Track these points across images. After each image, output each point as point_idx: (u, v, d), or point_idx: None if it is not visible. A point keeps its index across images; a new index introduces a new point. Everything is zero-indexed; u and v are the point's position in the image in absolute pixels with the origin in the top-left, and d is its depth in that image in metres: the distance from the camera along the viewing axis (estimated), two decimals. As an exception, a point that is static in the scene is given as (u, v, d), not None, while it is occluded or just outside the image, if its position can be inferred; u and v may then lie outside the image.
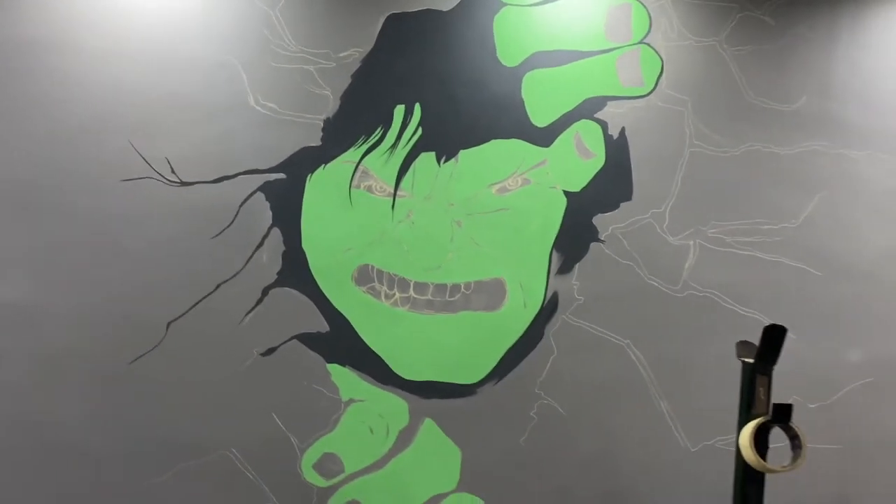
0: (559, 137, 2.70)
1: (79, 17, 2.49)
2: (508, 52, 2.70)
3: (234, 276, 2.55)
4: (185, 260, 2.52)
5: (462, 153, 2.67)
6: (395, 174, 2.64)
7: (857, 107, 2.85)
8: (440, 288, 2.65)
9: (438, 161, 2.65)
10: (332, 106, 2.61)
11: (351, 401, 2.61)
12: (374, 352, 2.63)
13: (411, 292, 2.64)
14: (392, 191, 2.64)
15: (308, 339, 2.59)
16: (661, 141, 2.75)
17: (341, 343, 2.60)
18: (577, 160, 2.71)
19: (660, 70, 2.76)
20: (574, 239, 2.71)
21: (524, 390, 2.68)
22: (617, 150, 2.73)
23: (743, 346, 1.72)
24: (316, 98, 2.60)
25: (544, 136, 2.69)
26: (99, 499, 2.49)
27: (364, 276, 2.62)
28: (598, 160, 2.73)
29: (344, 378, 2.61)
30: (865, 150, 2.85)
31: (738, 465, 1.67)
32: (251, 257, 2.56)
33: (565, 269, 2.71)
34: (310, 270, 2.59)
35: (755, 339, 1.78)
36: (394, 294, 2.64)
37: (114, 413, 2.49)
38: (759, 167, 2.79)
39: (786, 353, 2.69)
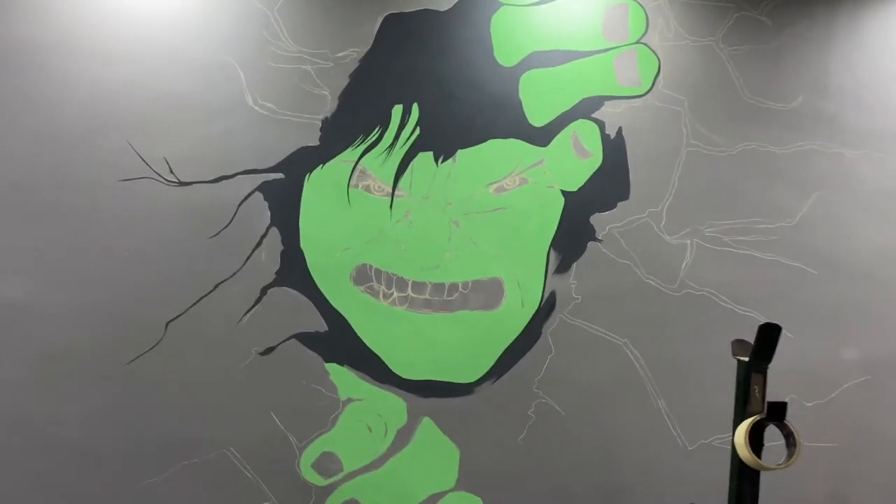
0: (556, 137, 2.71)
1: (77, 18, 2.50)
2: (506, 52, 2.70)
3: (233, 275, 2.56)
4: (184, 260, 2.53)
5: (460, 153, 2.67)
6: (393, 174, 2.64)
7: (854, 106, 2.86)
8: (438, 287, 2.65)
9: (436, 161, 2.66)
10: (330, 106, 2.62)
11: (349, 400, 2.62)
12: (372, 351, 2.64)
13: (409, 292, 2.65)
14: (390, 190, 2.64)
15: (306, 339, 2.60)
16: (659, 140, 2.76)
17: (340, 342, 2.61)
18: (574, 160, 2.72)
19: (657, 70, 2.77)
20: (572, 238, 2.71)
21: (522, 389, 2.69)
22: (614, 149, 2.74)
23: (738, 345, 1.73)
24: (314, 98, 2.61)
25: (542, 136, 2.70)
26: (98, 498, 2.49)
27: (362, 276, 2.63)
28: (595, 160, 2.73)
29: (342, 377, 2.62)
30: (862, 150, 2.86)
31: (734, 463, 1.68)
32: (250, 257, 2.57)
33: (563, 268, 2.71)
34: (308, 270, 2.60)
35: (752, 337, 1.78)
36: (392, 293, 2.64)
37: (113, 412, 2.49)
38: (755, 167, 2.80)
39: (782, 351, 2.69)
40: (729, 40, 2.80)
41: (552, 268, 2.71)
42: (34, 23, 2.48)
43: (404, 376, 2.65)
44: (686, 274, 2.76)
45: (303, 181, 2.60)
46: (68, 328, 2.47)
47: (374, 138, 2.64)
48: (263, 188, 2.58)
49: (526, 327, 2.70)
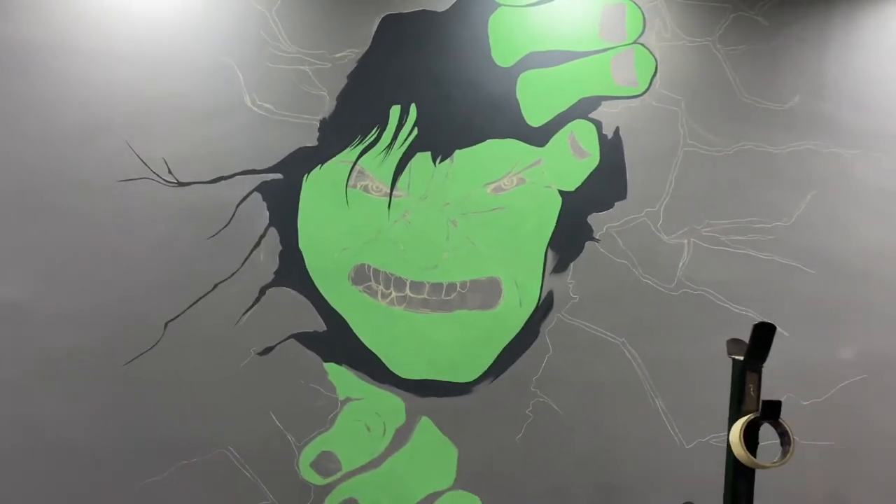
0: (554, 137, 2.71)
1: (76, 19, 2.50)
2: (503, 52, 2.71)
3: (232, 275, 2.56)
4: (183, 260, 2.53)
5: (457, 153, 2.68)
6: (391, 174, 2.65)
7: (850, 106, 2.86)
8: (436, 287, 2.66)
9: (434, 161, 2.67)
10: (328, 106, 2.62)
11: (348, 399, 2.62)
12: (370, 350, 2.64)
13: (407, 291, 2.65)
14: (388, 190, 2.65)
15: (305, 339, 2.60)
16: (656, 140, 2.77)
17: (338, 342, 2.62)
18: (571, 160, 2.73)
19: (654, 70, 2.77)
20: (569, 238, 2.72)
21: (520, 388, 2.69)
22: (611, 149, 2.74)
23: (733, 344, 1.74)
24: (312, 98, 2.62)
25: (539, 136, 2.71)
26: (97, 497, 2.50)
27: (360, 276, 2.64)
28: (592, 159, 2.74)
29: (341, 377, 2.62)
30: (858, 149, 2.86)
31: (729, 461, 1.69)
32: (248, 257, 2.57)
33: (560, 267, 2.72)
34: (307, 270, 2.61)
35: (748, 336, 1.79)
36: (390, 293, 2.65)
37: (112, 412, 2.50)
38: (752, 166, 2.80)
39: (779, 350, 2.71)
40: (726, 40, 2.81)
41: (550, 267, 2.71)
42: (33, 23, 2.48)
43: (402, 376, 2.65)
44: (683, 273, 2.77)
45: (301, 181, 2.61)
46: (67, 328, 2.47)
47: (372, 139, 2.65)
48: (262, 188, 2.58)
49: (524, 327, 2.70)
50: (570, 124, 2.73)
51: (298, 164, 2.60)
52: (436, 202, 2.66)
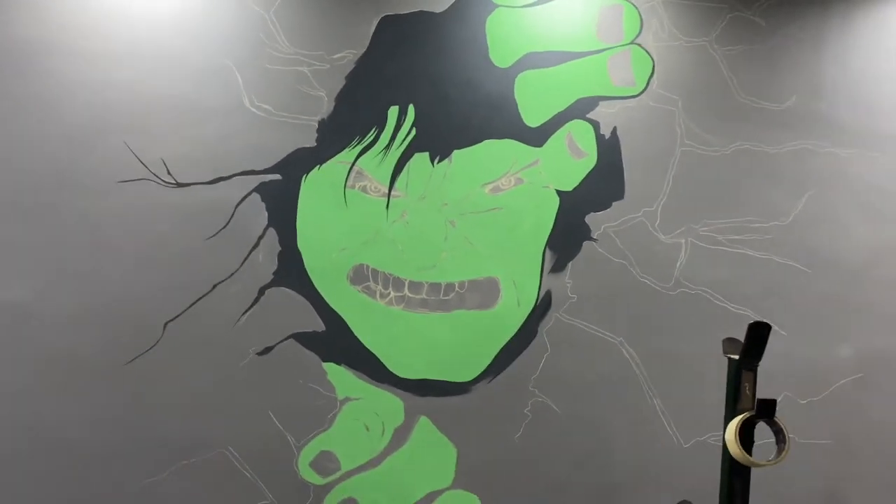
0: (551, 137, 2.72)
1: (75, 20, 2.50)
2: (501, 53, 2.72)
3: (231, 276, 2.56)
4: (182, 260, 2.54)
5: (455, 153, 2.69)
6: (390, 174, 2.65)
7: (847, 106, 2.87)
8: (434, 287, 2.67)
9: (432, 161, 2.67)
10: (326, 107, 2.63)
11: (347, 399, 2.63)
12: (369, 350, 2.65)
13: (406, 291, 2.66)
14: (386, 191, 2.65)
15: (304, 339, 2.61)
16: (653, 140, 2.77)
17: (337, 342, 2.62)
18: (569, 160, 2.73)
19: (651, 70, 2.78)
20: (567, 238, 2.73)
21: (518, 388, 2.70)
22: (609, 149, 2.75)
23: (729, 343, 1.74)
24: (310, 99, 2.62)
25: (537, 136, 2.72)
26: (97, 498, 2.50)
27: (359, 276, 2.64)
28: (590, 160, 2.75)
29: (340, 377, 2.63)
30: (854, 149, 2.87)
31: (725, 460, 1.70)
32: (247, 257, 2.58)
33: (558, 267, 2.73)
34: (305, 270, 2.61)
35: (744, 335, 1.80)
36: (389, 293, 2.65)
37: (111, 413, 2.50)
38: (749, 166, 2.81)
39: (776, 349, 2.73)
40: (722, 41, 2.82)
41: (548, 267, 2.72)
42: (32, 25, 2.48)
43: (401, 375, 2.66)
44: (681, 273, 2.78)
45: (300, 182, 2.61)
46: (67, 329, 2.48)
47: (370, 139, 2.65)
48: (261, 189, 2.59)
49: (522, 326, 2.71)
50: (567, 124, 2.73)
51: (297, 164, 2.61)
52: (434, 202, 2.67)
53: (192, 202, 2.55)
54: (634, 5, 2.78)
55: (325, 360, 2.62)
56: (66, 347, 2.48)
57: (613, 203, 2.75)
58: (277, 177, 2.60)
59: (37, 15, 2.49)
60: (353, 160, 2.64)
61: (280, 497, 2.58)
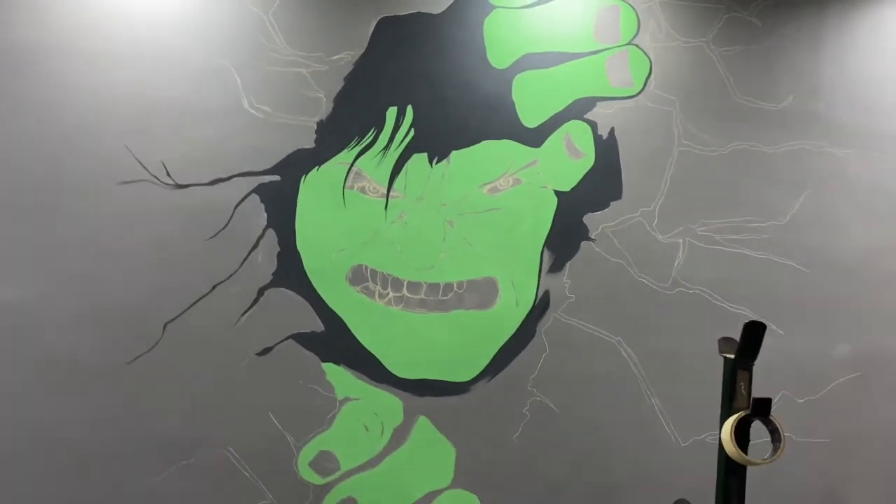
0: (549, 138, 2.73)
1: (74, 21, 2.51)
2: (499, 54, 2.72)
3: (230, 276, 2.57)
4: (182, 261, 2.54)
5: (454, 154, 2.69)
6: (388, 175, 2.66)
7: (844, 106, 2.88)
8: (433, 287, 2.68)
9: (430, 162, 2.68)
10: (325, 108, 2.64)
11: (346, 399, 2.64)
12: (368, 351, 2.65)
13: (405, 292, 2.67)
14: (385, 192, 2.66)
15: (303, 339, 2.61)
16: (650, 140, 2.78)
17: (336, 342, 2.63)
18: (567, 160, 2.74)
19: (648, 71, 2.79)
20: (565, 238, 2.73)
21: (517, 387, 2.71)
22: (606, 149, 2.76)
23: (725, 343, 1.75)
24: (309, 101, 2.63)
25: (535, 137, 2.72)
26: (97, 498, 2.51)
27: (358, 276, 2.65)
28: (587, 160, 2.75)
29: (339, 377, 2.64)
30: (851, 149, 2.88)
31: (721, 458, 1.71)
32: (246, 258, 2.58)
33: (556, 267, 2.73)
34: (304, 271, 2.62)
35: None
36: (387, 293, 2.66)
37: (111, 413, 2.51)
38: (746, 166, 2.82)
39: (774, 348, 2.74)
40: (719, 41, 2.82)
41: (546, 267, 2.73)
42: (31, 26, 2.49)
43: (400, 375, 2.66)
44: (678, 272, 2.78)
45: (298, 183, 2.62)
46: (67, 330, 2.49)
47: (368, 140, 2.66)
48: (260, 190, 2.59)
49: (520, 326, 2.72)
50: (565, 125, 2.74)
51: (296, 165, 2.62)
52: (432, 203, 2.68)
53: (192, 203, 2.55)
54: (631, 6, 2.79)
55: (324, 361, 2.62)
56: (66, 348, 2.48)
57: (611, 203, 2.76)
58: (276, 178, 2.60)
59: (36, 16, 2.49)
60: (351, 161, 2.65)
61: (280, 497, 2.59)
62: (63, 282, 2.49)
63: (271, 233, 2.60)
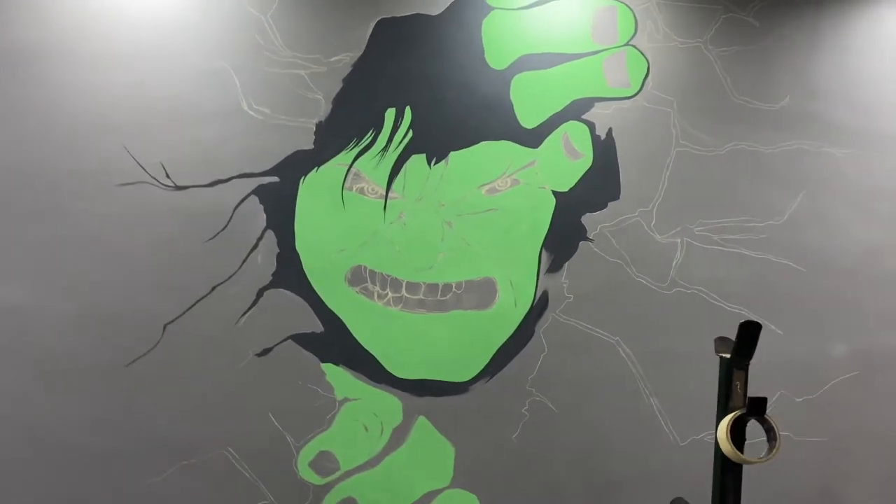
0: (547, 138, 2.73)
1: (73, 23, 2.52)
2: (497, 55, 2.73)
3: (230, 277, 2.58)
4: (181, 263, 2.55)
5: (452, 155, 2.70)
6: (387, 176, 2.67)
7: (841, 106, 2.88)
8: (432, 287, 2.68)
9: (429, 163, 2.69)
10: (323, 110, 2.64)
11: (345, 400, 2.65)
12: (367, 351, 2.66)
13: (403, 292, 2.67)
14: (384, 192, 2.67)
15: (303, 340, 2.62)
16: (648, 141, 2.78)
17: (335, 343, 2.63)
18: (565, 161, 2.75)
19: (646, 71, 2.79)
20: (563, 238, 2.74)
21: (516, 387, 2.71)
22: (604, 150, 2.76)
23: (720, 342, 1.76)
24: (308, 102, 2.64)
25: (533, 138, 2.73)
26: (98, 498, 2.52)
27: (357, 277, 2.66)
28: (585, 160, 2.76)
29: (338, 377, 2.64)
30: (849, 149, 2.88)
31: (717, 457, 1.71)
32: (246, 259, 2.59)
33: (555, 267, 2.74)
34: (304, 272, 2.63)
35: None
36: (386, 294, 2.67)
37: (112, 414, 2.52)
38: (744, 166, 2.82)
39: (772, 348, 2.75)
40: (717, 41, 2.83)
41: (544, 267, 2.73)
42: (30, 28, 2.50)
43: (399, 376, 2.67)
44: (676, 272, 2.79)
45: (298, 184, 2.63)
46: (67, 331, 2.50)
47: (367, 141, 2.67)
48: (259, 192, 2.60)
49: (519, 326, 2.72)
50: (563, 126, 2.75)
51: (295, 167, 2.63)
52: (431, 204, 2.69)
53: (191, 205, 2.56)
54: (629, 7, 2.79)
55: (323, 361, 2.63)
56: (66, 349, 2.50)
57: (609, 203, 2.76)
58: (275, 179, 2.61)
59: (36, 16, 2.51)
60: (350, 162, 2.65)
61: (280, 497, 2.60)
62: (63, 283, 2.50)
63: (270, 234, 2.60)
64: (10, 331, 2.48)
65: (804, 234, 2.84)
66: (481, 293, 2.70)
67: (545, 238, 2.73)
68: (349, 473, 2.65)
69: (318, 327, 2.63)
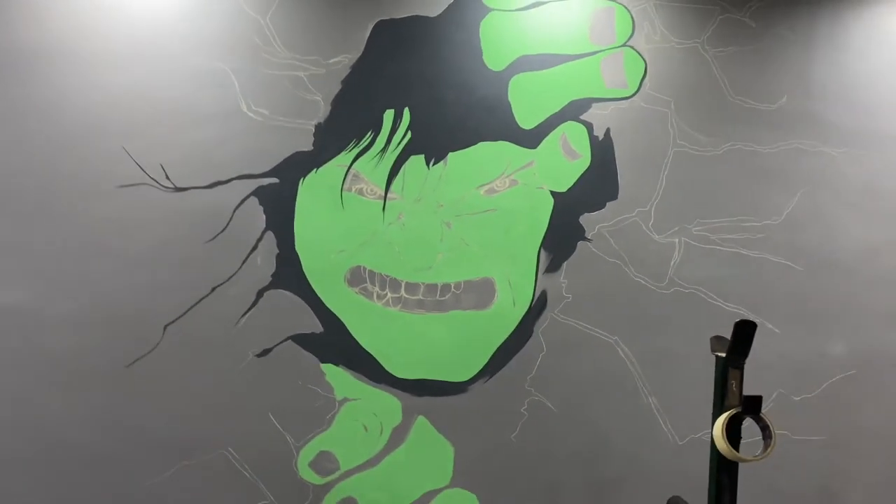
0: (545, 139, 2.74)
1: (73, 24, 2.52)
2: (495, 56, 2.74)
3: (229, 278, 2.59)
4: (181, 264, 2.56)
5: (450, 155, 2.71)
6: (386, 177, 2.67)
7: (837, 106, 2.88)
8: (431, 288, 2.69)
9: (427, 164, 2.70)
10: (322, 111, 2.65)
11: (345, 400, 2.65)
12: (367, 351, 2.67)
13: (403, 292, 2.68)
14: (383, 193, 2.68)
15: (302, 340, 2.63)
16: (646, 141, 2.79)
17: (335, 343, 2.64)
18: (563, 161, 2.75)
19: (643, 72, 2.80)
20: (561, 238, 2.75)
21: (514, 387, 2.72)
22: (602, 150, 2.77)
23: (717, 341, 1.77)
24: (307, 103, 2.64)
25: (531, 138, 2.73)
26: (99, 499, 2.52)
27: (356, 278, 2.66)
28: (583, 161, 2.77)
29: (338, 377, 2.65)
30: (845, 148, 2.88)
31: (713, 455, 1.73)
32: (246, 260, 2.60)
33: (553, 267, 2.74)
34: (303, 272, 2.63)
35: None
36: (385, 294, 2.67)
37: (112, 415, 2.52)
38: (741, 166, 2.83)
39: (770, 347, 2.75)
40: (714, 42, 2.83)
41: (543, 267, 2.74)
42: (30, 29, 2.50)
43: (399, 376, 2.68)
44: (674, 272, 2.79)
45: (297, 185, 2.63)
46: (68, 332, 2.50)
47: (366, 142, 2.67)
48: (258, 193, 2.61)
49: (518, 326, 2.73)
50: (561, 126, 2.75)
51: (294, 168, 2.63)
52: (430, 204, 2.69)
53: (191, 206, 2.57)
54: (626, 8, 2.80)
55: (323, 361, 2.64)
56: (66, 350, 2.50)
57: (607, 203, 2.77)
58: (275, 180, 2.62)
59: (36, 17, 2.51)
60: (349, 163, 2.66)
61: (280, 497, 2.61)
62: (63, 284, 2.51)
63: (270, 235, 2.61)
64: (10, 331, 2.48)
65: (802, 234, 2.84)
66: (480, 293, 2.71)
67: (543, 238, 2.74)
68: (349, 473, 2.65)
69: (317, 328, 2.63)
